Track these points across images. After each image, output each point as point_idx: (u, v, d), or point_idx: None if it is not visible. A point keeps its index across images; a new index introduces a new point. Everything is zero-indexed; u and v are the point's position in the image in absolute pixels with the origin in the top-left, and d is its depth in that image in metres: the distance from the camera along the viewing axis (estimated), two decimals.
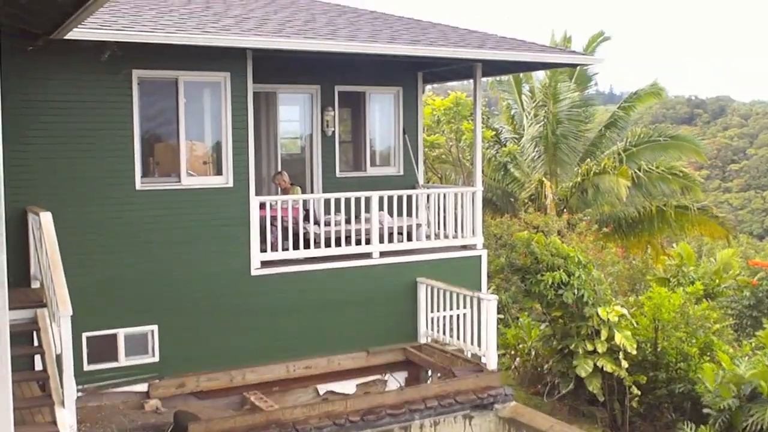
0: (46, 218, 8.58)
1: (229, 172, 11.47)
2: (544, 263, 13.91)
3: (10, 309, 8.35)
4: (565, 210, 21.30)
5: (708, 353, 14.03)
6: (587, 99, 24.64)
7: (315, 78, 14.10)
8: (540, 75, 24.18)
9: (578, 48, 24.10)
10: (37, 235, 9.05)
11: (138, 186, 10.87)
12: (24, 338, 8.92)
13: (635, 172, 22.42)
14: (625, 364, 13.49)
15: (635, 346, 13.51)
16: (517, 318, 17.02)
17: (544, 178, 22.08)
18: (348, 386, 12.46)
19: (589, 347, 13.62)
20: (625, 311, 13.98)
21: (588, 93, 25.21)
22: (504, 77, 24.45)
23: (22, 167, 10.02)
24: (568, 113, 23.40)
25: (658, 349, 14.01)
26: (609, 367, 13.46)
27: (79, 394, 9.60)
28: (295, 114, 14.67)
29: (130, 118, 10.75)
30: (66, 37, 9.32)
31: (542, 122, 23.41)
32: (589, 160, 23.33)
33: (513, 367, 16.40)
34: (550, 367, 15.08)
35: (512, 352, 16.41)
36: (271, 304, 11.80)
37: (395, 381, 12.89)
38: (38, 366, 8.83)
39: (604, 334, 13.55)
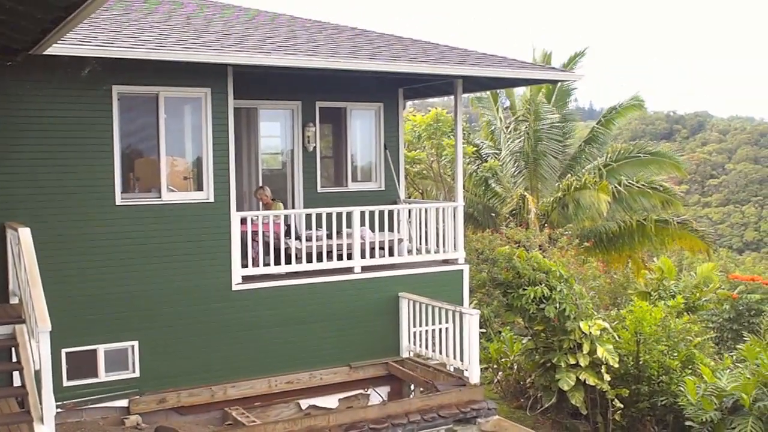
0: (25, 234, 8.53)
1: (210, 188, 11.45)
2: (525, 278, 13.99)
3: None
4: (546, 225, 21.41)
5: (690, 366, 14.13)
6: (567, 115, 24.81)
7: (296, 94, 14.13)
8: (520, 90, 24.35)
9: (559, 64, 24.28)
10: (16, 250, 9.00)
11: (118, 201, 10.82)
12: (2, 354, 8.86)
13: (616, 187, 22.59)
14: (607, 377, 13.56)
15: (617, 359, 13.59)
16: (500, 332, 17.07)
17: (526, 193, 22.19)
18: (330, 401, 12.42)
19: (572, 361, 13.68)
20: (606, 325, 14.07)
21: (568, 109, 25.38)
22: (483, 93, 24.58)
23: (2, 182, 9.98)
24: (548, 131, 23.55)
25: (640, 363, 14.09)
26: (591, 381, 13.52)
27: (59, 410, 9.51)
28: (276, 130, 14.68)
29: (110, 133, 10.72)
30: (46, 53, 9.30)
31: (522, 137, 23.55)
32: (569, 175, 23.47)
33: (496, 381, 16.43)
34: (532, 380, 15.13)
35: (495, 366, 16.45)
36: (252, 319, 11.76)
37: (378, 395, 12.86)
38: (17, 382, 8.75)
39: (586, 347, 13.62)
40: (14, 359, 8.64)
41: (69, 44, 9.59)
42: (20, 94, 10.18)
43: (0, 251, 9.83)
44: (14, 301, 9.68)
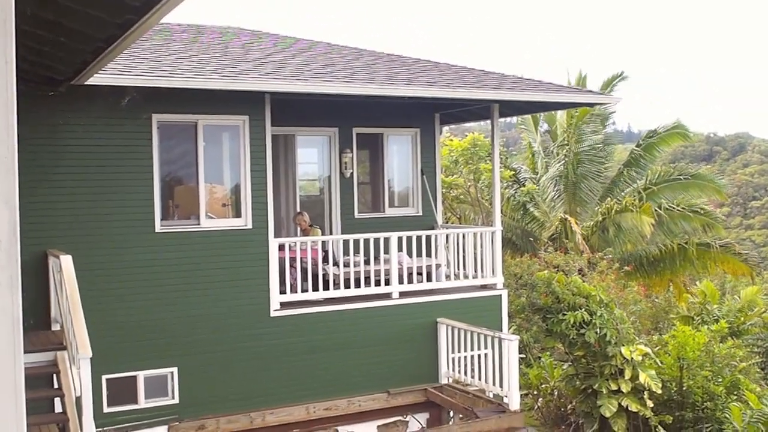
0: (67, 261, 8.63)
1: (248, 214, 11.52)
2: (565, 302, 13.83)
3: (30, 352, 8.40)
4: (585, 249, 21.18)
5: (735, 392, 13.82)
6: (606, 138, 24.62)
7: (333, 120, 14.21)
8: (559, 114, 24.22)
9: (595, 86, 24.15)
10: (58, 278, 9.10)
11: (158, 228, 10.93)
12: (44, 381, 8.94)
13: (656, 210, 22.29)
14: (650, 403, 13.32)
15: (660, 385, 13.34)
16: (539, 358, 16.86)
17: (567, 216, 22.00)
18: (369, 428, 12.35)
19: (613, 387, 13.46)
20: (648, 350, 13.84)
21: (606, 131, 25.18)
22: (526, 116, 24.50)
23: (44, 210, 10.14)
24: (588, 153, 23.41)
25: (684, 389, 13.82)
26: (634, 407, 13.29)
27: None
28: (313, 156, 14.76)
29: (150, 161, 10.86)
30: (87, 83, 9.47)
31: (562, 161, 23.42)
32: (609, 198, 23.25)
33: (536, 407, 16.21)
34: (573, 407, 14.90)
35: (535, 393, 16.23)
36: (290, 345, 11.77)
37: (417, 422, 12.76)
38: (58, 408, 8.82)
39: (628, 373, 13.39)
40: (56, 386, 8.71)
41: (109, 74, 9.76)
42: (62, 123, 10.36)
43: (42, 278, 9.96)
44: (56, 327, 9.78)
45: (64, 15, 7.03)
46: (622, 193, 23.76)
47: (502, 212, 19.13)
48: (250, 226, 11.53)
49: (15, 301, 2.63)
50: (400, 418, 12.69)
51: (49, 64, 9.00)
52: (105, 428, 10.29)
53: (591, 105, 20.60)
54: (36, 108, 10.03)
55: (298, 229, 13.43)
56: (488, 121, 14.61)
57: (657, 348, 14.73)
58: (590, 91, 18.38)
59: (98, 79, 9.49)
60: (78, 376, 7.73)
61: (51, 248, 9.94)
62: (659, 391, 13.32)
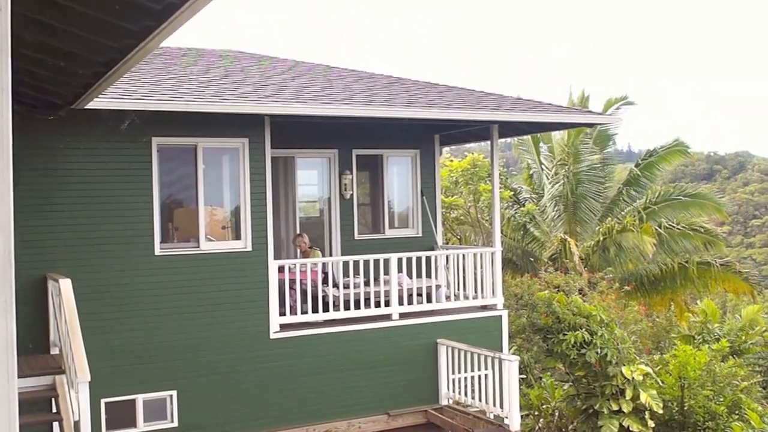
0: (66, 285, 8.65)
1: (248, 237, 11.54)
2: (566, 322, 13.83)
3: (28, 375, 8.39)
4: (586, 268, 21.18)
5: (736, 411, 13.80)
6: (606, 158, 24.68)
7: (333, 142, 14.26)
8: (558, 134, 24.29)
9: (596, 107, 24.23)
10: (57, 301, 9.11)
11: (157, 251, 10.95)
12: (42, 405, 8.92)
13: (656, 229, 22.30)
14: (651, 423, 13.29)
15: (661, 405, 13.32)
16: (540, 378, 16.83)
17: (567, 236, 22.02)
18: None
19: (614, 407, 13.43)
20: (649, 370, 13.82)
21: (607, 152, 25.24)
22: (524, 137, 24.57)
23: (43, 234, 10.16)
24: (587, 173, 23.46)
25: (685, 408, 13.79)
26: (635, 427, 13.25)
27: None
28: (313, 178, 14.79)
29: (149, 184, 10.89)
30: (87, 107, 9.52)
31: (562, 182, 23.46)
32: (609, 218, 23.27)
33: (537, 428, 16.15)
34: (575, 427, 14.85)
35: (536, 413, 16.19)
36: (290, 367, 11.74)
37: None
38: None
39: (629, 393, 13.37)
40: (54, 410, 8.69)
41: (109, 98, 9.81)
42: (62, 147, 10.41)
43: (41, 302, 9.97)
44: (55, 351, 9.78)
45: (64, 40, 7.08)
46: (622, 213, 23.79)
47: (502, 232, 19.16)
48: (249, 249, 11.54)
49: (9, 326, 2.64)
50: None
51: (49, 88, 9.06)
52: None
53: (591, 125, 20.71)
54: (36, 132, 10.08)
55: (298, 251, 13.45)
56: (488, 142, 14.66)
57: (658, 367, 14.72)
58: (590, 112, 18.42)
59: (98, 103, 9.53)
60: (76, 400, 7.72)
61: (50, 272, 9.96)
62: (660, 411, 13.29)
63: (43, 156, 10.24)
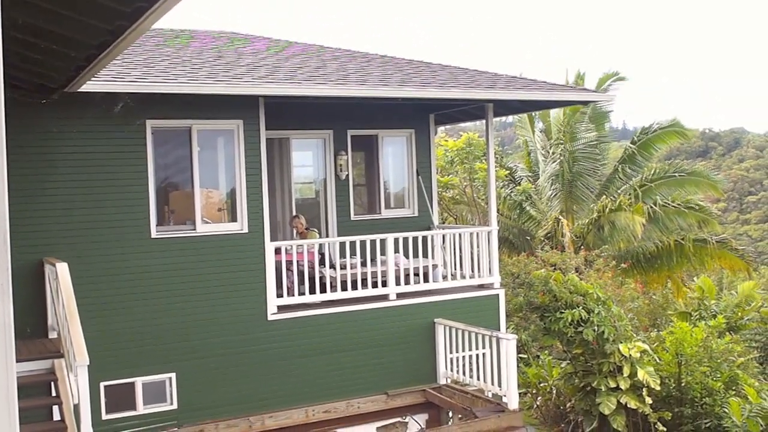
0: (63, 269, 8.62)
1: (244, 219, 11.52)
2: (562, 301, 13.85)
3: (27, 360, 8.39)
4: (582, 247, 21.21)
5: (733, 387, 13.85)
6: (602, 136, 24.64)
7: (327, 123, 14.21)
8: (554, 112, 24.25)
9: (591, 85, 24.15)
10: (54, 285, 9.09)
11: (153, 234, 10.92)
12: (42, 389, 8.93)
13: (651, 207, 22.32)
14: (649, 400, 13.33)
15: (659, 381, 13.36)
16: (538, 356, 16.88)
17: (560, 216, 22.03)
18: (368, 429, 12.35)
19: (612, 384, 13.48)
20: (646, 347, 13.86)
21: (603, 130, 25.17)
22: (522, 115, 24.51)
23: (39, 218, 10.13)
24: (583, 151, 23.44)
25: (682, 385, 13.84)
26: (633, 404, 13.30)
27: None
28: (308, 159, 14.76)
29: (144, 167, 10.85)
30: (80, 90, 9.46)
31: (558, 160, 23.44)
32: (604, 196, 23.28)
33: (535, 406, 16.23)
34: (572, 405, 14.92)
35: (534, 391, 16.26)
36: (288, 348, 11.76)
37: (416, 423, 12.76)
38: (56, 416, 8.81)
39: (626, 370, 13.41)
40: (53, 394, 8.70)
41: (103, 81, 9.75)
42: (56, 131, 10.35)
43: (38, 286, 9.95)
44: (53, 335, 9.77)
45: (55, 22, 7.02)
46: (618, 191, 23.80)
47: (498, 212, 19.16)
48: (246, 231, 11.52)
49: (6, 309, 2.63)
50: (399, 419, 12.69)
51: (42, 71, 9.00)
52: None
53: (585, 103, 20.66)
54: (29, 116, 10.02)
55: (294, 232, 13.43)
56: (483, 121, 14.62)
57: (655, 345, 14.75)
58: (584, 89, 18.41)
59: (91, 86, 9.47)
60: (75, 384, 7.72)
61: (47, 256, 9.94)
62: (658, 388, 13.33)
63: (36, 140, 10.18)
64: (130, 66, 10.87)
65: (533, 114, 24.77)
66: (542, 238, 22.07)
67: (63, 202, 10.36)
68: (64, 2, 6.49)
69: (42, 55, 8.18)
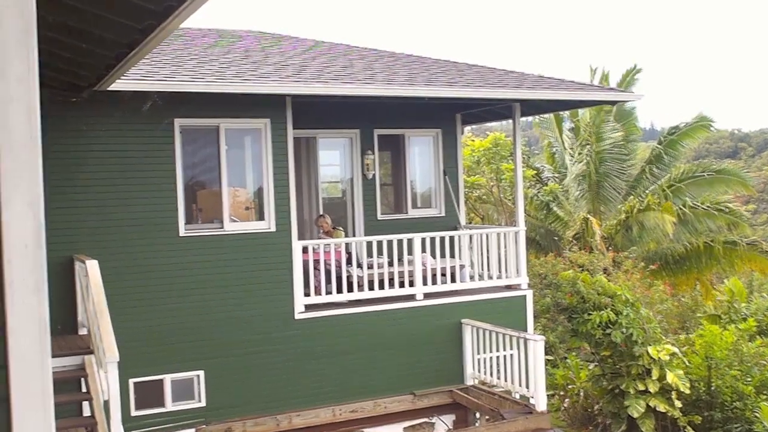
0: (93, 266, 8.67)
1: (272, 217, 11.53)
2: (590, 302, 13.73)
3: (58, 356, 8.44)
4: (610, 248, 21.05)
5: (764, 391, 13.67)
6: (628, 135, 24.44)
7: (354, 122, 14.20)
8: (580, 112, 24.09)
9: (613, 84, 23.97)
10: (84, 282, 9.15)
11: (182, 232, 10.96)
12: (72, 385, 8.99)
13: (680, 209, 22.10)
14: (678, 403, 13.19)
15: (688, 385, 13.21)
16: (565, 358, 16.76)
17: (589, 216, 21.87)
18: (395, 429, 12.31)
19: (641, 387, 13.34)
20: (676, 350, 13.71)
21: (630, 129, 24.96)
22: (546, 115, 24.39)
23: (69, 216, 10.20)
24: (610, 151, 23.27)
25: (712, 388, 13.68)
26: (662, 407, 13.16)
27: None
28: (335, 158, 14.76)
29: (173, 165, 10.89)
30: (109, 89, 9.51)
31: (585, 161, 23.28)
32: (632, 197, 23.09)
33: (563, 408, 16.11)
34: (600, 407, 14.79)
35: (561, 393, 16.14)
36: (315, 347, 11.76)
37: (443, 424, 12.71)
38: (86, 412, 8.87)
39: (655, 373, 13.27)
40: (83, 389, 8.75)
41: (132, 79, 9.80)
42: (86, 129, 10.42)
43: (68, 283, 10.02)
44: (83, 332, 9.84)
45: (86, 21, 7.06)
46: (646, 191, 23.59)
47: (525, 212, 19.06)
48: (273, 229, 11.54)
49: (42, 304, 2.62)
50: (426, 419, 12.64)
51: (72, 70, 9.05)
52: (133, 431, 10.34)
53: (613, 102, 20.47)
54: (59, 114, 10.09)
55: (320, 231, 13.43)
56: (509, 121, 14.55)
57: (684, 347, 14.59)
58: (612, 89, 18.26)
59: (120, 84, 9.52)
60: (106, 380, 7.76)
61: (77, 253, 10.00)
62: (687, 391, 13.18)
63: (66, 138, 10.26)
64: (159, 65, 10.93)
65: (561, 114, 24.62)
66: (570, 239, 21.92)
67: (93, 200, 10.43)
68: (94, 1, 6.52)
69: (72, 53, 8.23)
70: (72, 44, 7.84)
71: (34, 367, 2.57)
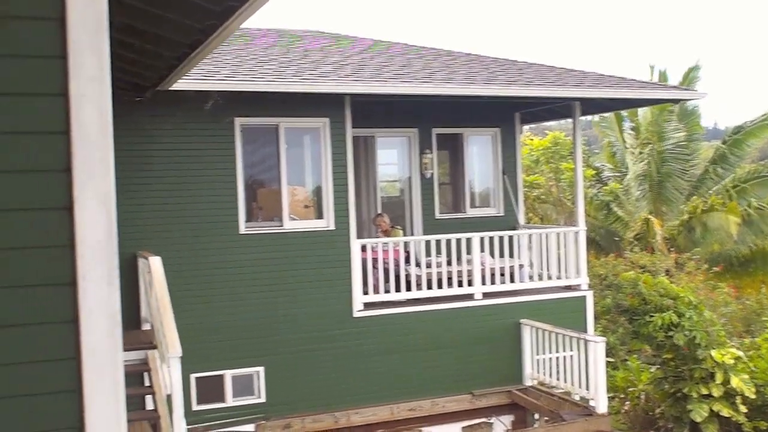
0: (156, 262, 8.80)
1: (330, 216, 11.59)
2: (652, 304, 13.53)
3: (123, 350, 8.60)
4: (672, 249, 20.66)
5: None
6: (691, 135, 23.96)
7: (412, 121, 14.18)
8: (641, 111, 23.69)
9: (673, 82, 23.51)
10: (147, 278, 9.30)
11: (242, 230, 11.09)
12: (135, 379, 9.15)
13: (746, 209, 21.59)
14: (743, 408, 12.90)
15: (754, 390, 12.90)
16: (626, 360, 16.50)
17: (650, 216, 21.49)
18: (453, 429, 12.27)
19: (704, 391, 13.08)
20: (741, 353, 13.41)
21: (692, 128, 24.46)
22: (606, 114, 24.04)
23: (133, 213, 10.38)
24: (673, 151, 22.84)
25: None
26: (726, 412, 12.89)
27: None
28: (393, 157, 14.77)
29: (233, 164, 11.02)
30: (171, 88, 9.66)
31: (646, 160, 22.89)
32: (695, 197, 22.63)
33: (623, 411, 15.87)
34: (662, 411, 14.54)
35: (621, 396, 15.90)
36: (374, 345, 11.78)
37: (501, 424, 12.62)
38: (149, 406, 9.02)
39: (719, 377, 13.00)
40: (146, 383, 8.90)
41: (193, 79, 9.94)
42: (149, 128, 10.61)
43: (132, 279, 10.21)
44: (146, 327, 10.01)
45: (150, 22, 7.17)
46: (710, 192, 23.09)
47: (584, 212, 18.81)
48: (332, 228, 11.59)
49: (113, 298, 2.68)
50: (484, 419, 12.57)
51: (136, 70, 9.20)
52: (195, 426, 10.48)
53: (676, 101, 20.09)
54: (124, 114, 10.27)
55: (378, 230, 13.45)
56: (569, 120, 14.38)
57: (749, 351, 14.25)
58: (675, 87, 17.91)
59: (182, 84, 9.65)
60: (168, 375, 7.87)
61: (140, 249, 10.18)
62: (753, 396, 12.88)
63: (130, 137, 10.45)
64: (220, 65, 11.06)
65: (620, 112, 24.24)
66: (631, 240, 21.58)
67: (155, 197, 10.61)
68: (158, 2, 6.62)
69: (136, 54, 8.37)
70: (136, 45, 7.98)
71: (105, 360, 2.62)
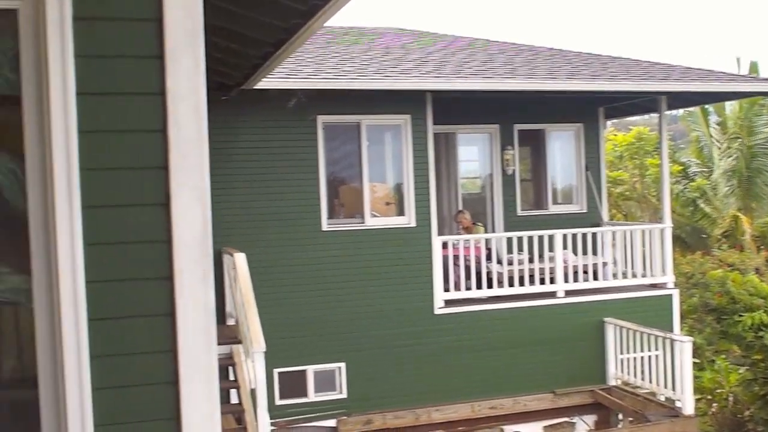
0: (240, 259, 8.97)
1: (411, 213, 11.61)
2: (741, 303, 13.17)
3: None
4: (762, 247, 20.02)
5: None
6: None
7: (494, 117, 14.07)
8: (730, 104, 22.99)
9: (765, 74, 22.76)
10: (232, 274, 9.48)
11: (324, 227, 11.20)
12: (221, 373, 9.34)
13: None
14: None
15: None
16: (713, 361, 16.07)
17: (739, 213, 20.87)
18: (534, 428, 12.16)
19: None
20: None
21: None
22: (692, 108, 23.42)
23: (219, 210, 10.54)
24: (764, 146, 22.11)
25: None
26: None
27: (272, 428, 9.88)
28: (474, 154, 14.69)
29: (316, 161, 11.14)
30: (256, 87, 9.82)
31: (735, 155, 22.22)
32: None
33: (710, 413, 15.47)
34: (751, 414, 14.13)
35: (708, 397, 15.49)
36: (454, 342, 11.76)
37: (584, 424, 12.45)
38: (234, 399, 9.20)
39: None
40: (231, 377, 9.08)
41: (277, 78, 10.08)
42: (234, 126, 10.80)
43: (217, 275, 10.37)
44: (230, 322, 10.21)
45: (236, 22, 7.31)
46: None
47: (670, 208, 18.37)
48: (413, 225, 11.61)
49: (208, 292, 2.75)
50: (566, 419, 12.42)
51: (222, 69, 9.39)
52: (277, 420, 10.65)
53: (766, 94, 19.46)
54: (211, 112, 10.43)
55: (459, 227, 13.40)
56: (653, 114, 14.06)
57: None
58: (766, 80, 17.32)
59: (266, 83, 9.80)
60: (252, 369, 8.02)
61: (225, 246, 10.38)
62: None
63: (217, 135, 10.60)
64: (302, 63, 11.19)
65: (706, 107, 23.57)
66: (718, 237, 20.99)
67: (240, 194, 10.81)
68: (244, 2, 6.74)
69: (222, 53, 8.54)
70: (222, 44, 8.14)
71: (200, 352, 2.68)
